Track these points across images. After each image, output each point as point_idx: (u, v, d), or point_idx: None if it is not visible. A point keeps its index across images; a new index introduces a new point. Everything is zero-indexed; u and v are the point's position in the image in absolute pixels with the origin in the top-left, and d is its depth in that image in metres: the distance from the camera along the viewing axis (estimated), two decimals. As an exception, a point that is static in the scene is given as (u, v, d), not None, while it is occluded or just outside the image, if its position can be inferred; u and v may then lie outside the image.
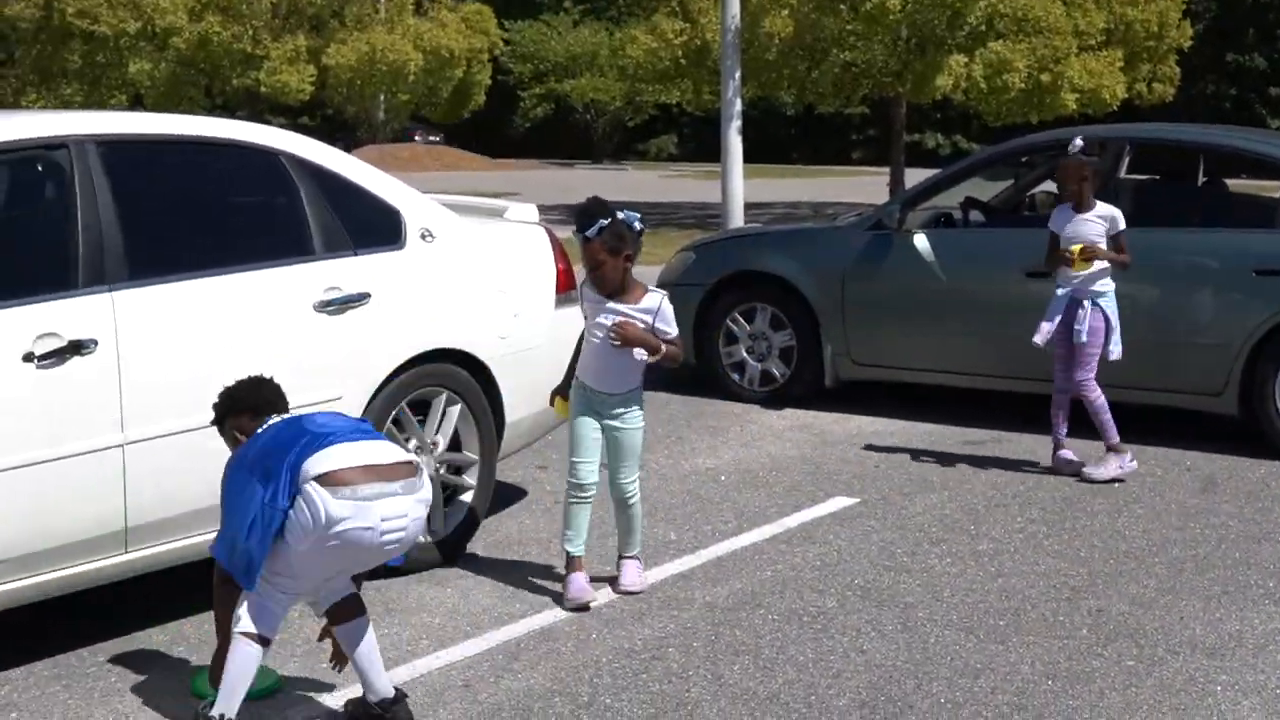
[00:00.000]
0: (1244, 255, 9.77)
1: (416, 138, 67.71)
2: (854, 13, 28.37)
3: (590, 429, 6.77)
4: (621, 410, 6.78)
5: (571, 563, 6.82)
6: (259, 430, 5.22)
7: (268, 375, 5.49)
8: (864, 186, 42.90)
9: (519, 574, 7.15)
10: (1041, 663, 6.05)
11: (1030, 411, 10.53)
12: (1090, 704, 5.64)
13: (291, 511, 4.88)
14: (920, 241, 10.71)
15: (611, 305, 6.65)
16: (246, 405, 5.35)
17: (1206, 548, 7.69)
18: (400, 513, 4.97)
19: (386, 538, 4.96)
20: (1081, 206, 9.09)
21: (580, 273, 6.94)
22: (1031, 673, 5.95)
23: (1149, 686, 5.79)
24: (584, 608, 6.68)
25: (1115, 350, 9.04)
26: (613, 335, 6.59)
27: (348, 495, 4.86)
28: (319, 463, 4.90)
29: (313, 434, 5.01)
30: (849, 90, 31.01)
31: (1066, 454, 9.28)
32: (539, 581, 7.03)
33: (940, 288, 10.61)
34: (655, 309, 6.71)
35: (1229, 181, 12.14)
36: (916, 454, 9.74)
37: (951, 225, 11.21)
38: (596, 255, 6.55)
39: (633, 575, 6.99)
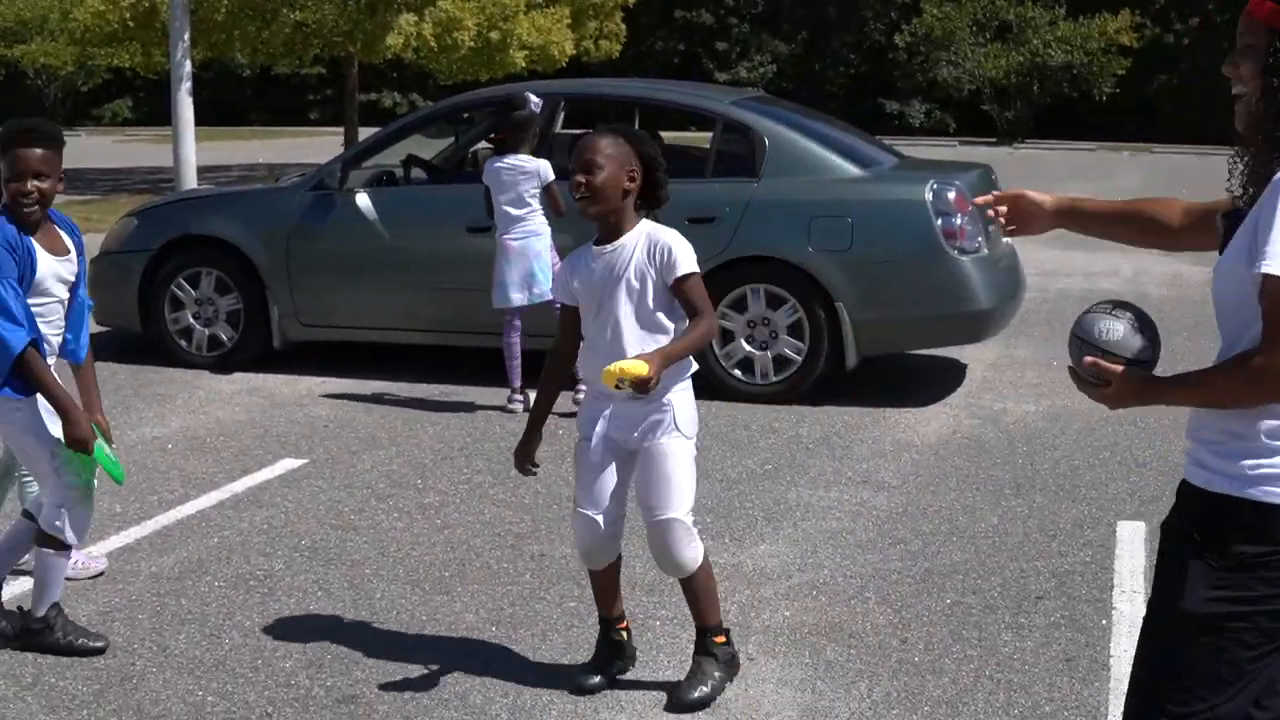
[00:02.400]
0: (678, 205, 10.10)
1: None
2: (304, -28, 28.06)
3: None
4: None
5: None
6: None
7: None
8: (323, 146, 42.39)
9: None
10: (486, 610, 6.18)
11: (475, 365, 10.70)
12: (534, 646, 5.81)
13: None
14: (362, 200, 10.72)
15: None
16: None
17: (648, 488, 7.95)
18: None
19: None
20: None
21: None
22: (476, 620, 6.07)
23: (590, 625, 5.95)
24: None
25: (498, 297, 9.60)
26: None
27: None
28: None
29: None
30: (301, 50, 30.64)
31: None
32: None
33: (383, 246, 10.66)
34: None
35: (673, 134, 12.59)
36: (365, 412, 9.78)
37: (394, 183, 11.27)
38: None
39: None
